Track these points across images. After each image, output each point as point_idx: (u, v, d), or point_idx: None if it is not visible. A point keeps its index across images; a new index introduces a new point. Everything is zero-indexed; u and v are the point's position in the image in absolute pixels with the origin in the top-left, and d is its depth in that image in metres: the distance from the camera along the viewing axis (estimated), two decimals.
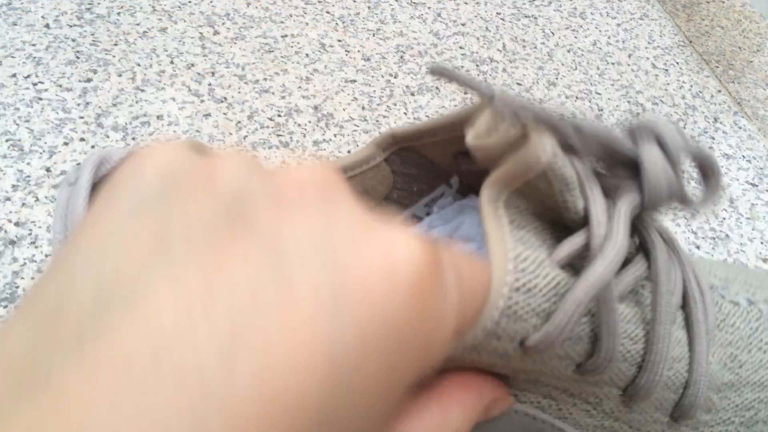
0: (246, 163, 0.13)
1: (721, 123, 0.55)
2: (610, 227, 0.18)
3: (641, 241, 0.21)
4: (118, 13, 0.50)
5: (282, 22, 0.53)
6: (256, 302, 0.11)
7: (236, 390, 0.10)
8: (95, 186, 0.20)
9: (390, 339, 0.12)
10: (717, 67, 0.63)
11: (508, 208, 0.18)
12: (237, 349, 0.10)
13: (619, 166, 0.19)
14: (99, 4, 0.50)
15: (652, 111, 0.54)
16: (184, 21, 0.51)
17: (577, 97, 0.54)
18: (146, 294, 0.11)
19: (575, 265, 0.19)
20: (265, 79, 0.47)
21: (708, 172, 0.20)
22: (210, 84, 0.46)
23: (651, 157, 0.19)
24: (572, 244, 0.18)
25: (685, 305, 0.22)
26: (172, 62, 0.47)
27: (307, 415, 0.10)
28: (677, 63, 0.62)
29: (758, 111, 0.58)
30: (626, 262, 0.20)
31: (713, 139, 0.53)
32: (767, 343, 0.25)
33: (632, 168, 0.19)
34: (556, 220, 0.19)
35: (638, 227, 0.21)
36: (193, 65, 0.47)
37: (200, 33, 0.50)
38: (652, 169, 0.19)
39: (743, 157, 0.52)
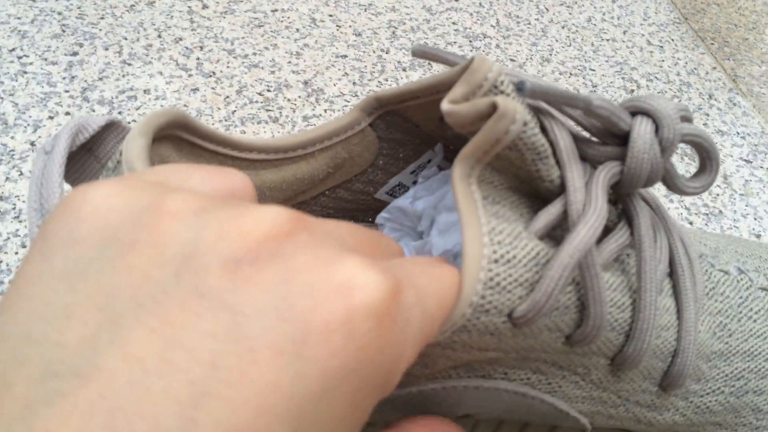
0: (195, 205, 0.12)
1: (715, 100, 0.54)
2: (588, 193, 0.18)
3: (624, 208, 0.20)
4: None
5: None
6: (216, 368, 0.10)
7: None
8: (72, 155, 0.20)
9: (352, 374, 0.12)
10: (712, 44, 0.62)
11: (481, 183, 0.17)
12: (198, 414, 0.10)
13: (610, 136, 0.19)
14: None
15: (646, 88, 0.54)
16: None
17: (571, 74, 0.53)
18: (97, 365, 0.10)
19: (555, 236, 0.18)
20: (254, 54, 0.46)
21: (706, 158, 0.20)
22: (198, 58, 0.45)
23: (641, 132, 0.18)
24: (549, 214, 0.18)
25: (672, 273, 0.22)
26: (159, 36, 0.46)
27: None
28: (672, 40, 0.61)
29: (753, 88, 0.57)
30: (609, 231, 0.20)
31: (708, 115, 0.52)
32: (757, 312, 0.25)
33: (622, 140, 0.19)
34: (532, 193, 0.19)
35: (621, 195, 0.20)
36: (181, 39, 0.46)
37: (189, 7, 0.49)
38: (638, 144, 0.18)
39: (737, 133, 0.51)
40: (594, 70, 0.54)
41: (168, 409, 0.10)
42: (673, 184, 0.20)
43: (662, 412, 0.23)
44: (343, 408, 0.12)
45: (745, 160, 0.49)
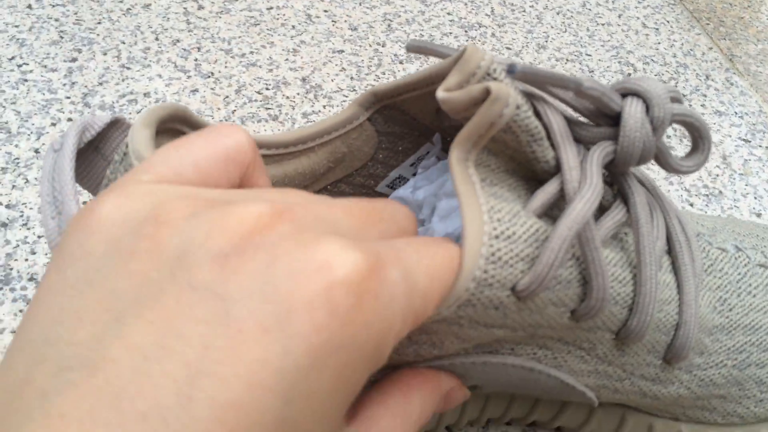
0: (187, 211, 0.14)
1: (712, 80, 0.55)
2: (583, 171, 0.18)
3: (619, 188, 0.21)
4: None
5: None
6: (208, 349, 0.12)
7: (197, 420, 0.11)
8: (79, 153, 0.21)
9: (338, 349, 0.13)
10: (708, 24, 0.62)
11: (478, 166, 0.18)
12: (194, 389, 0.11)
13: (602, 118, 0.19)
14: None
15: (643, 71, 0.54)
16: None
17: (567, 60, 0.53)
18: (103, 357, 0.11)
19: (552, 216, 0.19)
20: (251, 53, 0.47)
21: (698, 137, 0.20)
22: (196, 59, 0.45)
23: (632, 112, 0.19)
24: (546, 193, 0.18)
25: (670, 250, 0.22)
26: (157, 39, 0.46)
27: (268, 424, 0.12)
28: (668, 21, 0.61)
29: (750, 67, 0.57)
30: (605, 210, 0.21)
31: (705, 96, 0.53)
32: (756, 288, 0.25)
33: (614, 121, 0.19)
34: (529, 175, 0.19)
35: (616, 175, 0.21)
36: (178, 41, 0.46)
37: (184, 8, 0.50)
38: (629, 123, 0.19)
39: (735, 113, 0.51)
40: (590, 56, 0.54)
41: (166, 388, 0.11)
42: (666, 163, 0.20)
43: (667, 386, 0.23)
44: (333, 381, 0.13)
45: (744, 140, 0.49)
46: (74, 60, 0.43)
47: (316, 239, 0.13)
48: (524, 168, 0.19)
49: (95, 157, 0.21)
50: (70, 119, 0.39)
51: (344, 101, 0.44)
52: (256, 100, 0.43)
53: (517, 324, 0.19)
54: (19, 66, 0.42)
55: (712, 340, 0.24)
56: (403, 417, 0.18)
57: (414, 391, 0.19)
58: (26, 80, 0.41)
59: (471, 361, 0.20)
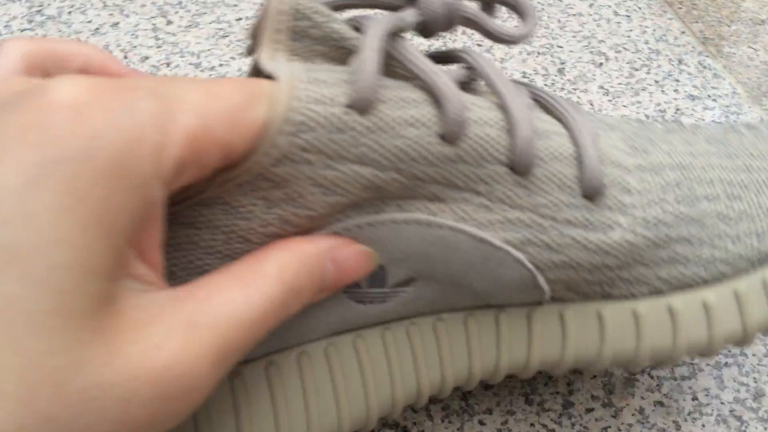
0: None
1: (685, 65, 0.55)
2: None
3: (462, 61, 0.22)
4: (69, 12, 0.50)
5: (235, 5, 0.53)
6: None
7: None
8: None
9: (56, 161, 0.13)
10: (680, 8, 0.62)
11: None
12: None
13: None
14: (49, 5, 0.50)
15: (615, 60, 0.54)
16: (136, 14, 0.50)
17: (538, 53, 0.53)
18: None
19: None
20: (221, 65, 0.47)
21: (517, 8, 0.22)
22: (166, 75, 0.45)
23: None
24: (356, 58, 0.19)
25: (547, 109, 0.23)
26: (125, 57, 0.47)
27: None
28: (639, 8, 0.61)
29: (723, 48, 0.57)
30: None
31: (678, 81, 0.53)
32: (675, 141, 0.24)
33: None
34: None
35: (455, 57, 0.22)
36: (147, 58, 0.47)
37: (153, 24, 0.50)
38: None
39: (709, 96, 0.52)
40: (561, 47, 0.54)
41: None
42: (486, 30, 0.21)
43: (606, 232, 0.21)
44: (61, 197, 0.13)
45: (718, 123, 0.49)
46: None
47: (47, 81, 0.14)
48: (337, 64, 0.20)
49: None
50: None
51: None
52: None
53: (381, 156, 0.18)
54: None
55: (637, 179, 0.22)
56: (252, 279, 0.16)
57: (268, 255, 0.17)
58: None
59: (355, 224, 0.19)
